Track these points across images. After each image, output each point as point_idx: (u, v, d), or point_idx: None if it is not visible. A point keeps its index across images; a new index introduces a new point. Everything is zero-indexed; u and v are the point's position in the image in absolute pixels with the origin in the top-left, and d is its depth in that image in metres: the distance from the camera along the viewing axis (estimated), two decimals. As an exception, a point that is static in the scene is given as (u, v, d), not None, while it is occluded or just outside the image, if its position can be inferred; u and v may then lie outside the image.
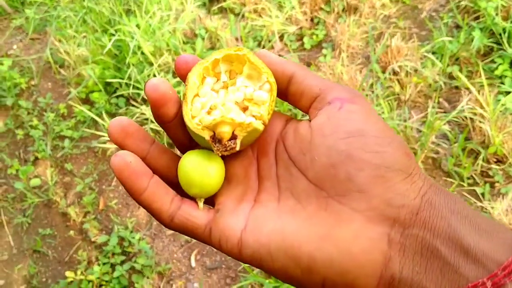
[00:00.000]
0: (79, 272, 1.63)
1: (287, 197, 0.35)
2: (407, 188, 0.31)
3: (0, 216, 1.86)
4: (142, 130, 0.37)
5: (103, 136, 1.94)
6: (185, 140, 0.39)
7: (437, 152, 1.69)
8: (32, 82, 2.27)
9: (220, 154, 0.35)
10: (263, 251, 0.33)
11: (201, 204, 0.37)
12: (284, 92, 0.38)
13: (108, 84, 2.09)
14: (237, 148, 0.35)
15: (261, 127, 0.36)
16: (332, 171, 0.32)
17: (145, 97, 1.92)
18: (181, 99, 0.37)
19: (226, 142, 0.35)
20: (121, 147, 0.36)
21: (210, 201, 0.38)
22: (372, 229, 0.31)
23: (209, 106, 0.37)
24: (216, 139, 0.35)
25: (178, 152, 0.41)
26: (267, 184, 0.37)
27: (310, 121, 0.37)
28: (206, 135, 0.35)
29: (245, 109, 0.38)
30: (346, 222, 0.31)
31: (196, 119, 0.36)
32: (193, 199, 0.37)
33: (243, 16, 2.28)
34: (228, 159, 0.38)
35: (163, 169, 0.38)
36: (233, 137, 0.35)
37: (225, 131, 0.35)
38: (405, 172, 0.31)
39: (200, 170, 0.36)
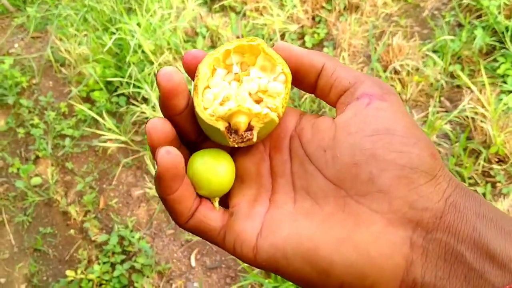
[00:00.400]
0: (79, 271, 1.63)
1: (303, 197, 0.34)
2: (431, 190, 0.30)
3: (1, 214, 1.86)
4: (175, 133, 0.36)
5: (104, 135, 1.94)
6: (193, 134, 0.37)
7: (438, 152, 1.68)
8: (33, 81, 2.27)
9: (236, 146, 0.34)
10: (279, 256, 0.32)
11: (216, 204, 0.36)
12: (313, 85, 0.37)
13: (109, 82, 2.09)
14: (254, 140, 0.34)
15: (276, 119, 0.35)
16: (354, 170, 0.31)
17: (146, 96, 1.92)
18: (192, 90, 0.36)
19: (242, 133, 0.34)
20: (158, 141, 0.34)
21: (224, 201, 0.37)
22: (393, 232, 0.30)
23: (222, 97, 0.36)
24: (231, 129, 0.34)
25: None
26: (281, 182, 0.36)
27: (333, 118, 0.35)
28: (221, 126, 0.34)
29: (258, 101, 0.36)
30: (366, 224, 0.30)
31: (209, 110, 0.35)
32: (208, 199, 0.37)
33: (244, 14, 2.28)
34: (239, 155, 0.37)
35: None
36: (249, 128, 0.34)
37: (241, 121, 0.34)
38: (430, 174, 0.30)
39: (209, 169, 0.35)
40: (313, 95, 0.38)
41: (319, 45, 2.13)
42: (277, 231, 0.33)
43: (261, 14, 2.23)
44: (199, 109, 0.34)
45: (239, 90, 0.36)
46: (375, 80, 0.35)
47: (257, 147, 0.37)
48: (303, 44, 2.14)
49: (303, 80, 0.37)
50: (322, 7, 2.20)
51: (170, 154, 0.32)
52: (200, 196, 0.36)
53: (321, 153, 0.34)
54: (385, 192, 0.30)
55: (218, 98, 0.35)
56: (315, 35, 2.13)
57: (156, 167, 0.32)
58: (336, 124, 0.34)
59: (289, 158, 0.36)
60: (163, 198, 0.34)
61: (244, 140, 0.34)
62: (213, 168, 0.35)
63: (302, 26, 2.18)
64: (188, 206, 0.34)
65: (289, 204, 0.34)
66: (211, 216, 0.35)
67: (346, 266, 0.30)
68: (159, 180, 0.32)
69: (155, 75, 1.97)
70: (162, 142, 0.34)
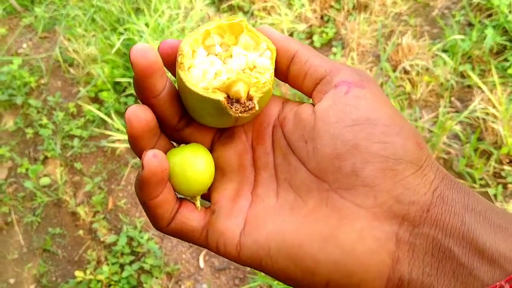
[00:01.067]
0: (88, 272, 1.63)
1: (286, 190, 0.33)
2: (418, 182, 0.29)
3: (10, 215, 1.87)
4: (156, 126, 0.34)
5: (112, 135, 1.94)
6: (174, 118, 0.35)
7: (448, 153, 1.67)
8: (42, 81, 2.27)
9: (239, 115, 0.32)
10: (263, 253, 0.31)
11: (198, 203, 0.35)
12: (285, 72, 0.35)
13: (117, 83, 2.09)
14: (257, 108, 0.32)
15: (272, 90, 0.34)
16: (337, 163, 0.30)
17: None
18: (177, 68, 0.33)
19: (244, 101, 0.32)
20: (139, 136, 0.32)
21: (205, 196, 0.36)
22: (378, 228, 0.28)
23: (213, 72, 0.34)
24: (232, 99, 0.32)
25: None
26: (264, 174, 0.34)
27: (313, 105, 0.34)
28: (220, 96, 0.32)
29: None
30: (350, 220, 0.29)
31: (203, 84, 0.33)
32: (188, 199, 0.35)
33: (252, 14, 2.27)
34: (220, 146, 0.36)
35: None
36: (249, 98, 0.32)
37: (241, 90, 0.32)
38: (415, 164, 0.29)
39: (188, 168, 0.33)
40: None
41: (327, 45, 2.12)
42: (260, 227, 0.32)
43: (269, 14, 2.23)
44: (189, 84, 0.32)
45: (229, 65, 0.34)
46: (353, 68, 0.34)
47: (239, 137, 0.36)
48: (311, 44, 2.13)
49: (276, 66, 0.35)
50: (331, 6, 2.19)
51: (157, 158, 0.30)
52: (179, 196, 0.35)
53: (302, 144, 0.32)
54: (369, 186, 0.29)
55: (209, 73, 0.34)
56: (324, 35, 2.12)
57: (141, 169, 0.31)
58: (315, 113, 0.32)
59: (272, 149, 0.35)
60: (144, 203, 0.32)
61: (247, 109, 0.32)
62: (192, 167, 0.33)
63: (311, 26, 2.17)
64: (169, 210, 0.33)
65: (272, 198, 0.33)
66: (192, 217, 0.34)
67: (331, 264, 0.29)
68: (142, 185, 0.31)
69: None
70: (143, 132, 0.32)
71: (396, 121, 0.30)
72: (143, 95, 0.32)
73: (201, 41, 0.34)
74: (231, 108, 0.32)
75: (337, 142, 0.30)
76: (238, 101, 0.32)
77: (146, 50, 0.30)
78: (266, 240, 0.31)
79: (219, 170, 0.36)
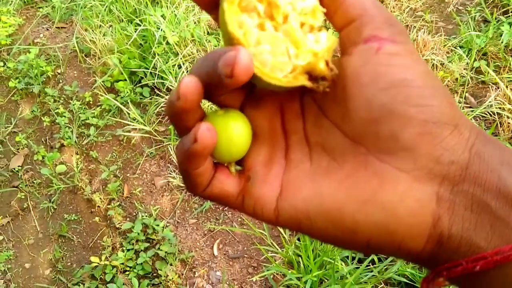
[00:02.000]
0: (103, 258, 1.65)
1: (320, 154, 0.32)
2: (455, 142, 0.28)
3: (26, 201, 1.89)
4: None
5: (128, 124, 1.96)
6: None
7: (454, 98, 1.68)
8: (58, 70, 2.30)
9: (328, 90, 0.31)
10: (302, 217, 0.31)
11: (233, 169, 0.34)
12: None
13: (133, 73, 2.11)
14: (337, 71, 0.31)
15: (335, 37, 0.32)
16: (374, 127, 0.29)
17: (170, 87, 1.94)
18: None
19: (327, 74, 0.31)
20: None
21: (238, 161, 0.35)
22: (420, 189, 0.29)
23: (283, 52, 0.31)
24: (317, 78, 0.31)
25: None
26: (295, 138, 0.34)
27: (340, 55, 0.32)
28: (305, 81, 0.31)
29: (302, 25, 0.32)
30: (391, 182, 0.29)
31: (279, 73, 0.31)
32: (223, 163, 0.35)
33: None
34: (250, 109, 0.35)
35: None
36: (326, 64, 0.31)
37: (323, 67, 0.31)
38: (451, 125, 0.29)
39: (227, 135, 0.33)
40: None
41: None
42: (297, 192, 0.32)
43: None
44: (268, 78, 0.31)
45: (288, 29, 0.32)
46: (386, 17, 0.31)
47: (269, 101, 0.35)
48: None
49: None
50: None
51: (210, 132, 0.30)
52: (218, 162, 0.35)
53: (335, 106, 0.32)
54: (409, 150, 0.29)
55: (278, 54, 0.31)
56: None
57: (190, 142, 0.30)
58: (345, 71, 0.31)
59: (301, 113, 0.34)
60: (187, 171, 0.32)
61: (331, 78, 0.31)
62: (231, 134, 0.33)
63: (325, 20, 2.18)
64: (208, 177, 0.33)
65: (306, 162, 0.33)
66: (228, 182, 0.34)
67: (372, 225, 0.29)
68: (192, 157, 0.31)
69: (179, 66, 1.99)
70: (197, 105, 0.31)
71: (429, 82, 0.30)
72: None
73: (239, 7, 0.31)
74: (318, 87, 0.31)
75: (372, 106, 0.30)
76: (323, 78, 0.31)
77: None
78: (304, 205, 0.31)
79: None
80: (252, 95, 0.36)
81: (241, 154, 0.34)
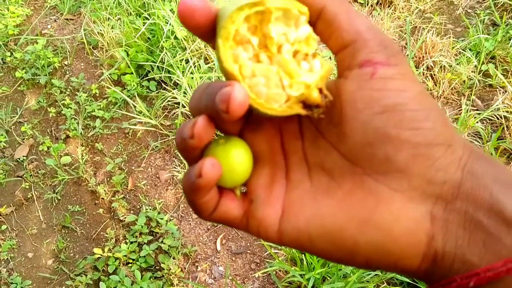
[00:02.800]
0: (106, 249, 1.65)
1: (319, 173, 0.33)
2: (448, 161, 0.29)
3: (31, 191, 1.90)
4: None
5: (134, 117, 1.96)
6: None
7: (448, 118, 1.67)
8: (65, 62, 2.30)
9: (322, 116, 0.32)
10: (303, 238, 0.32)
11: (238, 192, 0.35)
12: (313, 26, 0.33)
13: (140, 66, 2.11)
14: (331, 98, 0.32)
15: (329, 63, 0.33)
16: (369, 150, 0.30)
17: (177, 81, 1.94)
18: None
19: (321, 102, 0.32)
20: None
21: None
22: (414, 209, 0.29)
23: (277, 83, 0.32)
24: (312, 106, 0.32)
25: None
26: (294, 158, 0.35)
27: (336, 77, 0.33)
28: (300, 109, 0.32)
29: (295, 52, 0.33)
30: (386, 202, 0.30)
31: (274, 103, 0.32)
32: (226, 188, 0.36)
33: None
34: (249, 133, 0.36)
35: None
36: (320, 91, 0.32)
37: (317, 96, 0.32)
38: (445, 145, 0.30)
39: (231, 161, 0.34)
40: None
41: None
42: (299, 213, 0.33)
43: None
44: (264, 109, 0.32)
45: (280, 61, 0.32)
46: (380, 39, 0.32)
47: (267, 124, 0.36)
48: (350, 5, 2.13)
49: None
50: (355, 1, 2.20)
51: (215, 167, 0.31)
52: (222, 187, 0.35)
53: (331, 127, 0.32)
54: (403, 171, 0.30)
55: (272, 86, 0.32)
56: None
57: (195, 176, 0.31)
58: (340, 95, 0.32)
59: (300, 133, 0.35)
60: (192, 201, 0.33)
61: (325, 105, 0.32)
62: (233, 162, 0.34)
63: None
64: (213, 204, 0.34)
65: (306, 182, 0.34)
66: (232, 206, 0.35)
67: (370, 246, 0.30)
68: (197, 190, 0.32)
69: (187, 61, 1.99)
70: (207, 142, 0.33)
71: (423, 103, 0.30)
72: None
73: (232, 39, 0.32)
74: (313, 114, 0.32)
75: (367, 130, 0.30)
76: (317, 106, 0.32)
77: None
78: (306, 226, 0.32)
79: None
80: (250, 119, 0.36)
81: (243, 180, 0.35)
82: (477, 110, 1.77)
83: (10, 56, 2.34)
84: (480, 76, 1.85)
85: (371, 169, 0.31)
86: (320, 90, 0.32)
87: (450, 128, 0.31)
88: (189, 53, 2.00)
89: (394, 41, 0.33)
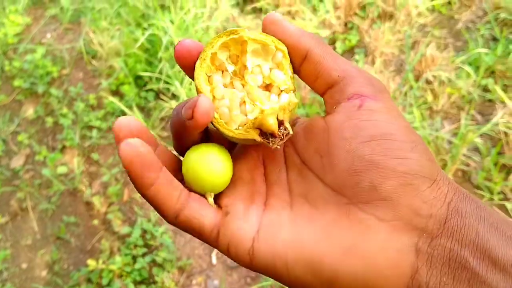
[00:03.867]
0: (100, 261, 1.63)
1: (300, 203, 0.33)
2: (434, 195, 0.29)
3: (25, 201, 1.88)
4: (149, 132, 0.34)
5: (131, 128, 1.95)
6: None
7: (467, 165, 1.66)
8: (64, 71, 2.30)
9: (278, 147, 0.33)
10: (279, 262, 0.31)
11: (211, 199, 0.34)
12: (298, 68, 0.35)
13: (138, 77, 2.10)
14: (291, 132, 0.33)
15: (297, 99, 0.34)
16: (355, 178, 0.30)
17: (175, 92, 1.93)
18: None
19: (278, 133, 0.33)
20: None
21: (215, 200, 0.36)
22: (399, 240, 0.29)
23: (237, 105, 0.34)
24: (267, 135, 0.33)
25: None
26: (276, 189, 0.34)
27: (325, 114, 0.34)
28: (256, 136, 0.33)
29: (268, 86, 0.35)
30: (371, 232, 0.29)
31: (233, 125, 0.34)
32: (202, 195, 0.35)
33: (276, 17, 2.28)
34: (232, 161, 0.36)
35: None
36: (280, 123, 0.33)
37: (272, 124, 0.33)
38: (430, 179, 0.30)
39: (206, 163, 0.34)
40: None
41: (350, 52, 2.12)
42: (276, 235, 0.32)
43: (293, 18, 2.23)
44: (223, 129, 0.34)
45: (249, 88, 0.35)
46: (366, 77, 0.33)
47: (251, 154, 0.36)
48: (333, 50, 2.13)
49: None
50: (355, 14, 2.20)
51: (129, 145, 0.30)
52: (196, 192, 0.35)
53: (317, 158, 0.33)
54: (389, 200, 0.29)
55: (234, 108, 0.34)
56: (347, 42, 2.12)
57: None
58: (328, 126, 0.33)
59: (285, 166, 0.35)
60: (142, 194, 0.32)
61: (284, 137, 0.33)
62: (210, 162, 0.34)
63: (334, 32, 2.18)
64: (173, 199, 0.32)
65: (286, 208, 0.33)
66: (204, 212, 0.33)
67: (352, 276, 0.29)
68: (129, 175, 0.31)
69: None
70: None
71: (409, 136, 0.31)
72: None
73: (210, 64, 0.35)
74: (269, 143, 0.33)
75: (354, 158, 0.31)
76: (272, 135, 0.33)
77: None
78: (283, 249, 0.31)
79: (230, 182, 0.36)
80: (234, 148, 0.38)
81: (220, 188, 0.35)
82: (476, 124, 1.76)
83: (9, 65, 2.34)
84: (479, 91, 1.84)
85: (356, 198, 0.30)
86: (281, 122, 0.33)
87: (435, 164, 0.31)
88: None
89: (379, 80, 0.34)
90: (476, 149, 1.70)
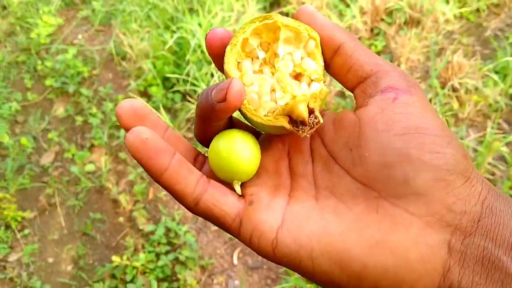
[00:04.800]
0: (125, 258, 1.67)
1: (326, 196, 0.32)
2: (468, 193, 0.29)
3: (54, 197, 1.93)
4: (155, 115, 0.34)
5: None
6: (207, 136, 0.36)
7: (493, 174, 1.65)
8: (94, 72, 2.35)
9: (308, 135, 0.32)
10: (304, 254, 0.30)
11: (238, 187, 0.34)
12: (328, 62, 0.34)
13: (166, 79, 2.14)
14: (321, 121, 0.32)
15: (328, 89, 0.33)
16: (386, 171, 0.30)
17: (201, 94, 1.96)
18: None
19: (309, 121, 0.32)
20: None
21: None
22: (431, 236, 0.28)
23: (267, 92, 0.34)
24: (297, 122, 0.32)
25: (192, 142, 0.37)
26: (301, 181, 0.34)
27: (355, 108, 0.34)
28: (285, 122, 0.32)
29: (298, 76, 0.35)
30: (403, 226, 0.29)
31: (262, 111, 0.33)
32: (223, 182, 0.34)
33: (303, 22, 2.29)
34: None
35: None
36: (310, 111, 0.32)
37: (303, 111, 0.32)
38: (464, 176, 0.29)
39: (240, 151, 0.33)
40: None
41: (376, 58, 2.12)
42: (301, 226, 0.31)
43: (320, 23, 2.25)
44: (251, 115, 0.33)
45: (279, 76, 0.34)
46: (400, 71, 0.33)
47: (276, 145, 0.36)
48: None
49: None
50: (382, 20, 2.20)
51: (134, 133, 0.30)
52: (220, 180, 0.34)
53: (346, 151, 0.32)
54: (422, 195, 0.29)
55: (263, 95, 0.34)
56: (372, 47, 2.13)
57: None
58: (360, 119, 0.32)
59: (311, 158, 0.34)
60: (158, 182, 0.32)
61: (313, 126, 0.32)
62: (241, 149, 0.33)
63: (360, 38, 2.18)
64: (190, 185, 0.32)
65: (311, 200, 0.32)
66: (225, 201, 0.33)
67: (381, 270, 0.29)
68: (139, 164, 0.31)
69: (212, 75, 2.01)
70: (130, 126, 0.33)
71: (445, 131, 0.30)
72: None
73: (241, 50, 0.34)
74: (298, 131, 0.32)
75: (387, 150, 0.30)
76: (303, 122, 0.32)
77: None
78: (309, 241, 0.30)
79: (255, 173, 0.35)
80: (260, 139, 0.37)
81: (250, 175, 0.34)
82: (503, 133, 1.74)
83: (41, 64, 2.40)
84: (507, 99, 1.82)
85: (387, 191, 0.30)
86: (311, 110, 0.32)
87: (470, 161, 0.30)
88: (214, 67, 2.02)
89: (411, 76, 0.33)
90: (501, 158, 1.68)
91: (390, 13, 2.20)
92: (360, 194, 0.31)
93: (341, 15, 2.25)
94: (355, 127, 0.32)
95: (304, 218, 0.31)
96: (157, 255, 1.67)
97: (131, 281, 1.62)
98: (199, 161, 0.37)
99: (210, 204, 0.32)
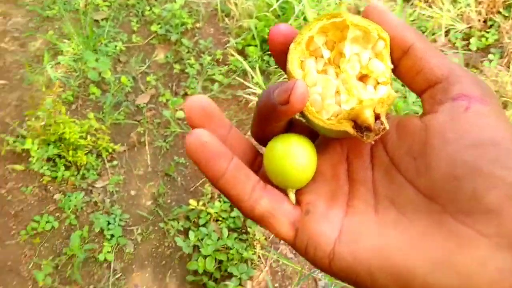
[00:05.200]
0: (201, 203, 1.75)
1: (387, 208, 0.30)
2: None
3: (144, 136, 2.04)
4: (221, 113, 0.33)
5: (250, 87, 2.04)
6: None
7: None
8: (197, 25, 2.43)
9: (372, 142, 0.31)
10: (362, 269, 0.28)
11: (293, 196, 0.33)
12: (396, 63, 0.32)
13: (264, 41, 2.17)
14: (387, 127, 0.30)
15: (396, 94, 0.31)
16: (454, 185, 0.27)
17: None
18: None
19: (374, 127, 0.30)
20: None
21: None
22: (501, 258, 0.25)
23: (331, 94, 0.32)
24: (362, 128, 0.30)
25: (255, 143, 0.37)
26: (361, 188, 0.32)
27: (422, 114, 0.31)
28: (349, 127, 0.31)
29: (364, 77, 0.33)
30: (469, 246, 0.26)
31: (325, 114, 0.32)
32: (278, 188, 0.33)
33: (412, 3, 2.23)
34: None
35: (240, 158, 0.32)
36: (376, 117, 0.31)
37: (369, 116, 0.30)
38: None
39: (296, 157, 0.32)
40: None
41: (484, 50, 2.03)
42: (359, 240, 0.29)
43: (430, 6, 2.17)
44: (313, 117, 0.31)
45: (344, 77, 0.32)
46: (474, 78, 0.30)
47: (335, 148, 0.34)
48: (467, 46, 2.05)
49: None
50: (498, 12, 2.09)
51: (193, 135, 0.29)
52: (275, 186, 0.33)
53: (410, 160, 0.30)
54: (493, 213, 0.26)
55: (327, 97, 0.32)
56: (483, 39, 2.03)
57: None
58: (427, 127, 0.30)
59: (371, 165, 0.32)
60: (215, 187, 0.31)
61: (379, 132, 0.30)
62: (296, 155, 0.32)
63: (471, 27, 2.09)
64: (246, 190, 0.31)
65: (371, 212, 0.31)
66: (281, 208, 0.31)
67: None
68: (197, 167, 0.30)
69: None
70: (198, 124, 0.32)
71: None
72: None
73: (305, 48, 0.33)
74: (363, 137, 0.31)
75: (456, 162, 0.27)
76: (368, 128, 0.30)
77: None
78: (366, 256, 0.29)
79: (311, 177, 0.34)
80: (317, 141, 0.35)
81: (304, 182, 0.33)
82: None
83: (149, 10, 2.51)
84: None
85: (453, 206, 0.27)
86: (377, 116, 0.31)
87: None
88: (315, 36, 2.02)
89: (487, 84, 0.31)
90: None
91: (508, 6, 2.09)
92: (422, 207, 0.29)
93: (454, 1, 2.16)
94: (421, 134, 0.30)
95: (362, 231, 0.30)
96: (231, 206, 1.74)
97: (204, 225, 1.70)
98: (258, 162, 0.36)
99: (265, 212, 0.31)
